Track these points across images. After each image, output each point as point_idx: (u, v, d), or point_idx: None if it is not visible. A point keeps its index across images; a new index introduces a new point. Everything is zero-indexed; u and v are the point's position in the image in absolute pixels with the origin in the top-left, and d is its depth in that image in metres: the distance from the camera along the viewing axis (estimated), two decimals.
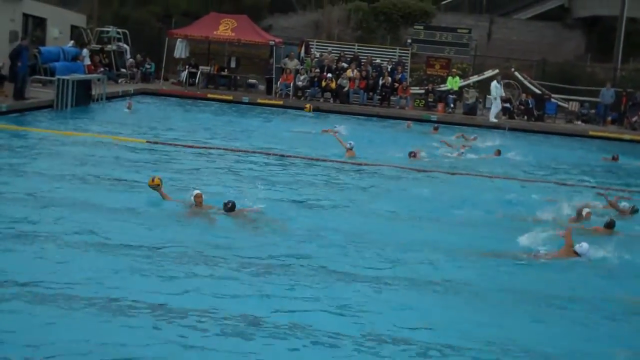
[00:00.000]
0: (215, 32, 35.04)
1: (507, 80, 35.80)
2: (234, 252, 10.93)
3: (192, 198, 12.91)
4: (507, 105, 34.80)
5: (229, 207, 12.68)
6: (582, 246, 11.58)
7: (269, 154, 20.51)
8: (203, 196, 12.94)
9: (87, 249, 10.52)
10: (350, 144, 21.14)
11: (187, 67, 35.95)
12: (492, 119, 32.92)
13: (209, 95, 33.76)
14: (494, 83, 33.46)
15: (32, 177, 14.84)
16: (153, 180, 13.27)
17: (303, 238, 12.04)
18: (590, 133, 32.36)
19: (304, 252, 11.24)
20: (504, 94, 33.88)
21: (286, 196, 15.23)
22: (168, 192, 13.50)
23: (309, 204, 14.92)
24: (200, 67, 36.18)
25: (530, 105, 34.63)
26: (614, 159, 24.80)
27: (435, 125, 29.18)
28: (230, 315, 8.52)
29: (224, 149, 20.76)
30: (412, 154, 21.42)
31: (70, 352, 7.33)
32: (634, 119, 34.12)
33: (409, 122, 29.82)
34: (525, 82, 35.82)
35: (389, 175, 18.88)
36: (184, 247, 10.95)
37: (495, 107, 33.40)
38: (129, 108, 26.91)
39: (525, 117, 34.51)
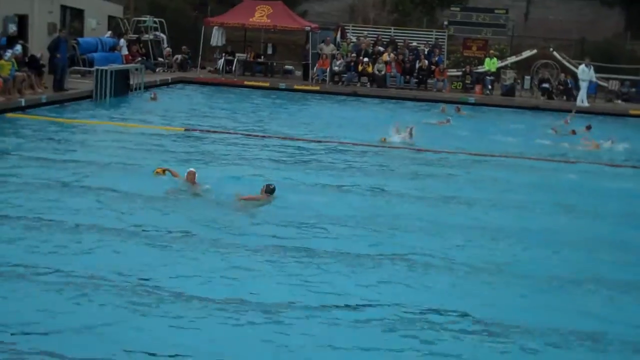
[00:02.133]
0: (250, 19, 35.08)
1: (545, 61, 35.45)
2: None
3: (185, 175, 13.48)
4: (546, 85, 34.46)
5: (271, 189, 12.93)
6: None
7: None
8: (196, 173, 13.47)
9: (126, 236, 10.68)
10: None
11: (223, 54, 36.02)
12: (585, 104, 32.56)
13: (246, 83, 33.83)
14: (581, 67, 33.03)
15: (74, 166, 15.03)
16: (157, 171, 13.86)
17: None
18: (631, 112, 31.96)
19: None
20: (594, 78, 33.39)
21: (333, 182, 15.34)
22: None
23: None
24: (237, 55, 36.24)
25: (570, 85, 34.24)
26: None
27: (457, 106, 28.94)
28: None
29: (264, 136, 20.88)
30: None
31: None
32: None
33: (443, 105, 29.43)
34: (564, 62, 35.43)
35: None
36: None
37: (584, 90, 32.97)
38: (153, 98, 26.96)
39: (565, 97, 34.15)
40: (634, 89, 35.01)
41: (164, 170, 13.90)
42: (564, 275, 10.24)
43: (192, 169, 13.70)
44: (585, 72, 32.70)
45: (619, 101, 34.44)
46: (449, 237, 11.70)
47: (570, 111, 29.41)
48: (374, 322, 8.24)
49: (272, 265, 9.85)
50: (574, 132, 24.15)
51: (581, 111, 30.79)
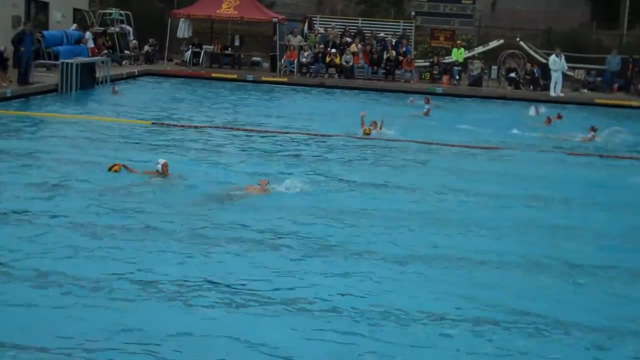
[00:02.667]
0: (217, 11, 34.91)
1: (512, 51, 35.62)
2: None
3: (159, 166, 13.49)
4: (513, 75, 34.63)
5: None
6: None
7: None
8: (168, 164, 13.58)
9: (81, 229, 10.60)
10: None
11: (190, 46, 35.81)
12: (559, 93, 32.71)
13: (213, 75, 33.68)
14: (552, 57, 33.16)
15: (39, 160, 14.89)
16: (112, 167, 13.76)
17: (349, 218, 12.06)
18: (597, 101, 32.20)
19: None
20: (565, 68, 33.54)
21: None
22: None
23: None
24: (204, 47, 36.06)
25: (536, 75, 34.44)
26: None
27: (427, 97, 28.63)
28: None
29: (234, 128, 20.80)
30: None
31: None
32: None
33: (411, 97, 29.42)
34: (531, 52, 35.62)
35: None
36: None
37: (555, 80, 33.11)
38: (115, 93, 26.68)
39: (532, 87, 34.34)
40: (599, 78, 35.30)
41: (119, 166, 13.80)
42: (536, 260, 10.37)
43: (164, 160, 13.70)
44: (556, 63, 32.87)
45: (585, 90, 34.68)
46: (422, 227, 11.75)
47: (539, 101, 29.72)
48: (347, 313, 8.23)
49: (243, 256, 9.84)
50: (549, 121, 24.34)
51: (550, 100, 31.06)
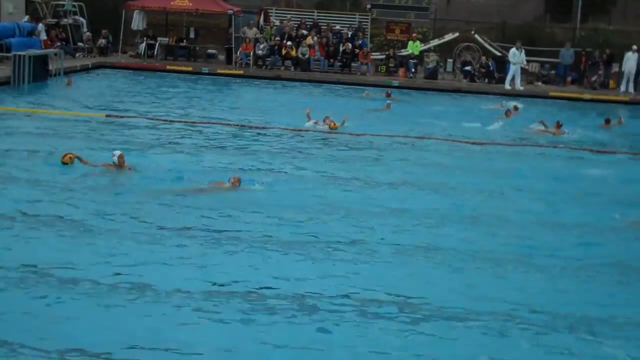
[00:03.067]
0: (172, 3, 34.59)
1: (467, 44, 35.79)
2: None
3: (115, 158, 13.41)
4: (468, 68, 34.81)
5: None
6: None
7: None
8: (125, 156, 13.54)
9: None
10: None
11: (145, 39, 35.48)
12: (519, 87, 32.89)
13: (168, 67, 33.40)
14: (512, 50, 33.30)
15: None
16: (64, 157, 13.58)
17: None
18: (551, 94, 32.49)
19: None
20: (525, 61, 33.75)
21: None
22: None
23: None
24: (159, 39, 35.74)
25: (491, 68, 34.65)
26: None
27: (388, 91, 28.65)
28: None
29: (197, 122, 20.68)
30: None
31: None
32: (594, 78, 34.29)
33: (367, 91, 29.43)
34: (486, 45, 35.82)
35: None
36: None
37: (513, 73, 33.19)
38: (68, 84, 26.33)
39: (487, 80, 34.54)
40: (553, 71, 35.59)
41: (73, 156, 13.60)
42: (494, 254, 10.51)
43: (120, 152, 13.61)
44: (516, 56, 33.04)
45: (539, 83, 34.96)
46: (378, 220, 11.79)
47: (494, 94, 30.03)
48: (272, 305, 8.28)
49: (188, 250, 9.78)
50: (508, 114, 24.55)
51: (507, 94, 31.31)
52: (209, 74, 32.87)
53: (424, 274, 9.67)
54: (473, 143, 19.62)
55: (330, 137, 19.25)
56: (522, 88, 32.92)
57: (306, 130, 19.89)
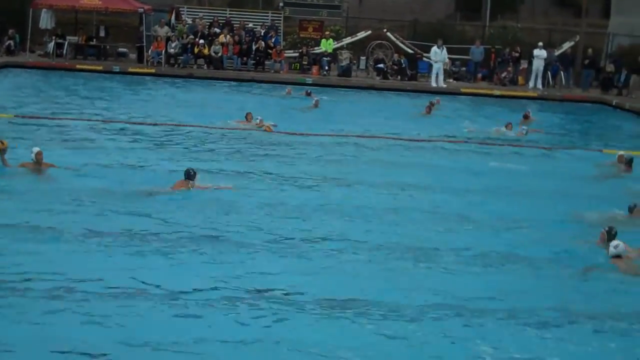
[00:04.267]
0: (82, 1, 33.95)
1: (379, 41, 36.04)
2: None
3: (33, 155, 13.22)
4: (381, 65, 35.06)
5: (191, 175, 12.78)
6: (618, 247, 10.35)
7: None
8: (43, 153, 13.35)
9: None
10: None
11: (53, 38, 34.71)
12: (442, 84, 33.14)
13: (78, 66, 32.75)
14: (434, 48, 33.48)
15: None
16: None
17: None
18: (462, 90, 32.95)
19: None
20: (447, 59, 33.93)
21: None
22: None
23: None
24: (68, 38, 35.02)
25: (404, 65, 34.96)
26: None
27: (308, 90, 28.62)
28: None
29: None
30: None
31: None
32: (503, 75, 34.92)
33: (288, 88, 29.42)
34: (398, 42, 36.12)
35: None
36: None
37: (437, 71, 33.38)
38: None
39: (399, 77, 34.84)
40: (464, 68, 36.10)
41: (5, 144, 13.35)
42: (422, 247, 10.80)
43: (38, 149, 13.35)
44: (437, 54, 33.36)
45: (451, 80, 35.38)
46: (316, 218, 12.05)
47: (406, 90, 30.28)
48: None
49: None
50: (429, 111, 25.01)
51: (419, 90, 31.71)
52: (120, 72, 32.34)
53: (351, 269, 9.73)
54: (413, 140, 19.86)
55: (269, 137, 19.21)
56: (445, 85, 33.29)
57: (235, 129, 19.80)
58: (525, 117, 24.68)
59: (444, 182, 14.99)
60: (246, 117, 20.38)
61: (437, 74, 33.28)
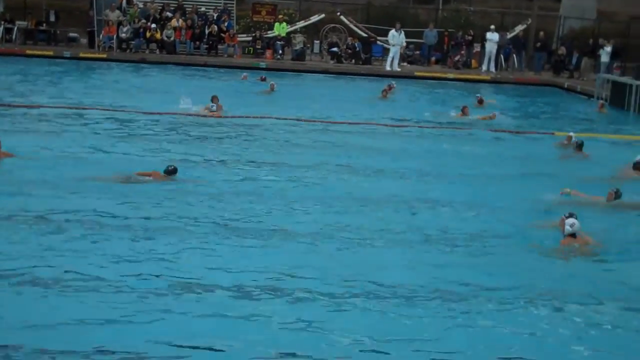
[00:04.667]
0: None
1: (333, 25, 35.98)
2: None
3: None
4: (335, 49, 35.00)
5: (171, 171, 12.58)
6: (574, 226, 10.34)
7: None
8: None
9: None
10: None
11: (2, 22, 34.10)
12: (396, 68, 33.11)
13: (28, 52, 32.22)
14: (392, 32, 33.39)
15: None
16: None
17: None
18: (416, 74, 33.02)
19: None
20: (404, 42, 33.89)
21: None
22: None
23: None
24: (17, 22, 34.43)
25: (358, 49, 34.94)
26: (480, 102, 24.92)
27: (263, 76, 28.36)
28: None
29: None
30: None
31: None
32: (457, 58, 35.09)
33: (244, 74, 29.12)
34: (352, 26, 36.09)
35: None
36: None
37: (393, 55, 33.33)
38: None
39: (353, 61, 34.82)
40: (417, 52, 36.18)
41: None
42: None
43: None
44: (395, 37, 33.34)
45: (405, 63, 35.42)
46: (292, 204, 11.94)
47: (360, 74, 30.28)
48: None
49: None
50: (385, 95, 25.19)
51: (373, 74, 31.79)
52: (71, 57, 31.88)
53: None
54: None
55: (226, 122, 19.14)
56: (399, 69, 33.33)
57: (196, 115, 19.64)
58: (480, 102, 24.78)
59: (405, 166, 15.04)
60: (212, 100, 20.15)
61: (392, 58, 33.27)
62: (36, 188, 11.70)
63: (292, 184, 13.23)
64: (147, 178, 12.43)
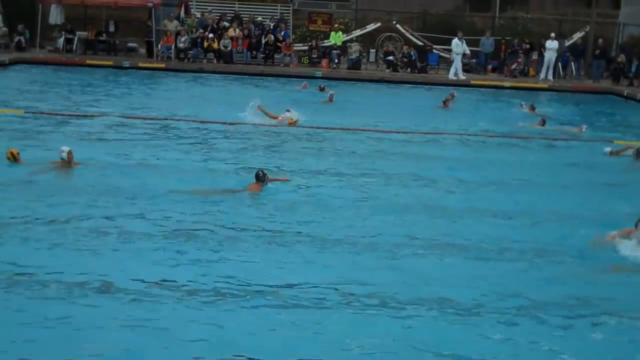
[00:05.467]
0: None
1: (389, 34, 35.98)
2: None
3: (65, 155, 13.24)
4: (391, 58, 34.98)
5: (260, 177, 12.71)
6: None
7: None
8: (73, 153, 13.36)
9: None
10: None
11: (63, 33, 34.73)
12: (461, 76, 33.13)
13: (88, 61, 32.74)
14: (455, 40, 33.45)
15: None
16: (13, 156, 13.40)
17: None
18: (473, 82, 32.86)
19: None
20: (467, 51, 33.94)
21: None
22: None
23: None
24: (77, 33, 35.03)
25: (413, 57, 34.88)
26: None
27: (322, 85, 28.32)
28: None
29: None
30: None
31: None
32: (513, 66, 34.81)
33: (304, 82, 29.25)
34: (407, 35, 36.06)
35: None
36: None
37: (456, 63, 33.38)
38: None
39: (409, 69, 34.77)
40: (474, 60, 35.98)
41: (15, 153, 13.43)
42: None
43: (68, 148, 13.37)
44: (458, 46, 33.30)
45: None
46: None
47: (416, 83, 30.22)
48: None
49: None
50: (446, 104, 25.26)
51: (439, 83, 31.76)
52: (130, 67, 32.33)
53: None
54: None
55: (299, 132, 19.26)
56: (464, 77, 33.20)
57: (270, 125, 19.75)
58: (532, 109, 24.77)
59: (473, 176, 15.04)
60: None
61: (456, 66, 33.20)
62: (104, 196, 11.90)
63: (362, 194, 13.31)
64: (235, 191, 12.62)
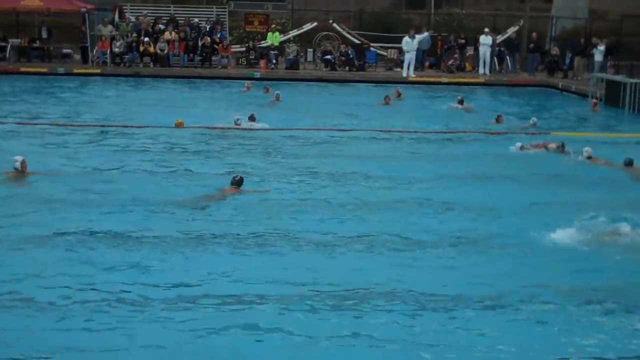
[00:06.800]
0: (22, 2, 33.44)
1: (326, 33, 36.03)
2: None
3: (18, 164, 13.02)
4: (329, 57, 35.05)
5: (237, 181, 12.63)
6: None
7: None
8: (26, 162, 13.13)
9: None
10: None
11: None
12: (412, 74, 33.21)
13: (22, 69, 32.22)
14: (405, 38, 33.50)
15: None
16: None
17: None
18: (410, 79, 33.00)
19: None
20: (424, 46, 34.06)
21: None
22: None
23: None
24: (10, 40, 34.46)
25: (351, 56, 34.98)
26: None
27: (266, 87, 28.17)
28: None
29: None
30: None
31: None
32: (450, 62, 35.11)
33: (247, 83, 29.09)
34: (344, 33, 36.15)
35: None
36: None
37: (408, 61, 33.48)
38: None
39: (347, 68, 34.86)
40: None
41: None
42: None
43: (21, 157, 13.15)
44: (408, 43, 33.43)
45: (399, 69, 35.46)
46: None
47: (354, 81, 30.26)
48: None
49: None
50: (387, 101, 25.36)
51: (377, 81, 31.89)
52: (65, 74, 31.86)
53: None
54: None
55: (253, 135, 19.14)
56: (414, 75, 33.33)
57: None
58: (460, 102, 25.20)
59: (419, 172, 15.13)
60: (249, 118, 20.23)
61: (408, 64, 33.36)
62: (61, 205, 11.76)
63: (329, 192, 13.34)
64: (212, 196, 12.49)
